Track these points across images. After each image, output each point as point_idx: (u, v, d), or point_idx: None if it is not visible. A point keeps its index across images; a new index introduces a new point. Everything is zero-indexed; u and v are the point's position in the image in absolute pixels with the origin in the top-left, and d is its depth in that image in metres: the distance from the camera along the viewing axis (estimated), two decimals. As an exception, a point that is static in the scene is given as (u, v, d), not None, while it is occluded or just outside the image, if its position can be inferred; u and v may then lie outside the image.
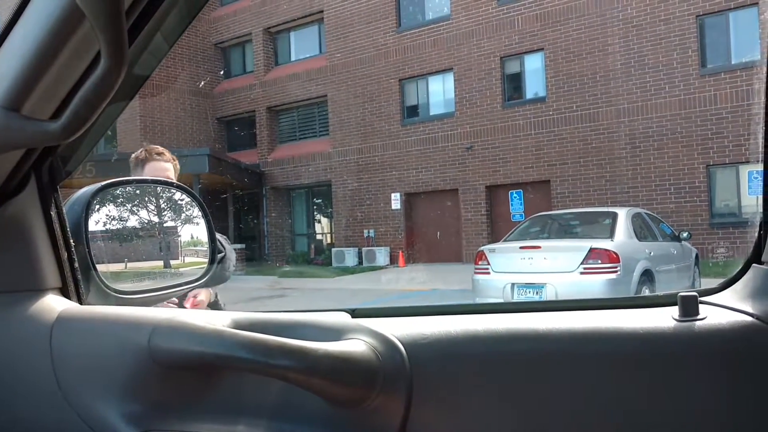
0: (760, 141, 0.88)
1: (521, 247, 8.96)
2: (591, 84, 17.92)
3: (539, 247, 8.86)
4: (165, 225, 1.42)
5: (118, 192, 1.28)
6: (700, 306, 0.81)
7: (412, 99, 21.70)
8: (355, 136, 22.28)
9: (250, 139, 25.92)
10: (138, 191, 1.39)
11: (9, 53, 0.77)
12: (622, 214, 9.54)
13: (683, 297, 0.80)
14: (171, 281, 1.29)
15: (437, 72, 20.84)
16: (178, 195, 1.38)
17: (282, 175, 24.42)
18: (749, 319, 0.77)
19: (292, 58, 25.48)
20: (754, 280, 0.81)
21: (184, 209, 1.43)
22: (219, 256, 1.55)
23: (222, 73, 27.10)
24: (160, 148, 2.75)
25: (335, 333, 0.88)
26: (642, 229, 9.80)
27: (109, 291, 1.09)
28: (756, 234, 0.81)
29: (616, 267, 8.17)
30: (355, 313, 0.97)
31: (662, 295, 0.87)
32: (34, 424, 0.93)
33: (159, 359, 0.87)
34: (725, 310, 0.80)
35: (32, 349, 0.95)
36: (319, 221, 25.75)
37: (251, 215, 25.57)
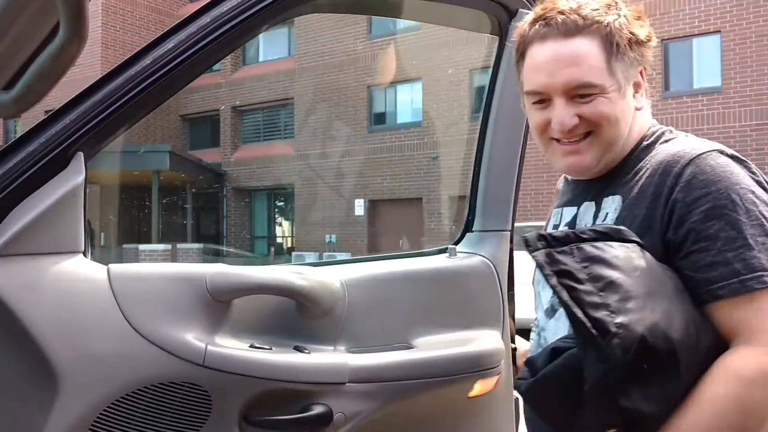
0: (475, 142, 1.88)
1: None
2: (557, 101, 18.17)
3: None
4: None
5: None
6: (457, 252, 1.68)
7: (379, 106, 21.73)
8: (321, 140, 22.21)
9: (214, 138, 25.65)
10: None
11: None
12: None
13: (449, 248, 1.66)
14: None
15: (406, 81, 20.93)
16: None
17: (244, 176, 24.19)
18: (478, 257, 1.69)
19: (260, 59, 25.32)
20: (470, 238, 1.75)
21: None
22: None
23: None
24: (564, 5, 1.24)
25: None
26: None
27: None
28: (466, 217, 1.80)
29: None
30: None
31: (441, 249, 1.68)
32: (107, 354, 1.14)
33: (214, 293, 1.24)
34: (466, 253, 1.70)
35: (97, 295, 1.15)
36: (281, 224, 25.59)
37: (211, 215, 25.27)
